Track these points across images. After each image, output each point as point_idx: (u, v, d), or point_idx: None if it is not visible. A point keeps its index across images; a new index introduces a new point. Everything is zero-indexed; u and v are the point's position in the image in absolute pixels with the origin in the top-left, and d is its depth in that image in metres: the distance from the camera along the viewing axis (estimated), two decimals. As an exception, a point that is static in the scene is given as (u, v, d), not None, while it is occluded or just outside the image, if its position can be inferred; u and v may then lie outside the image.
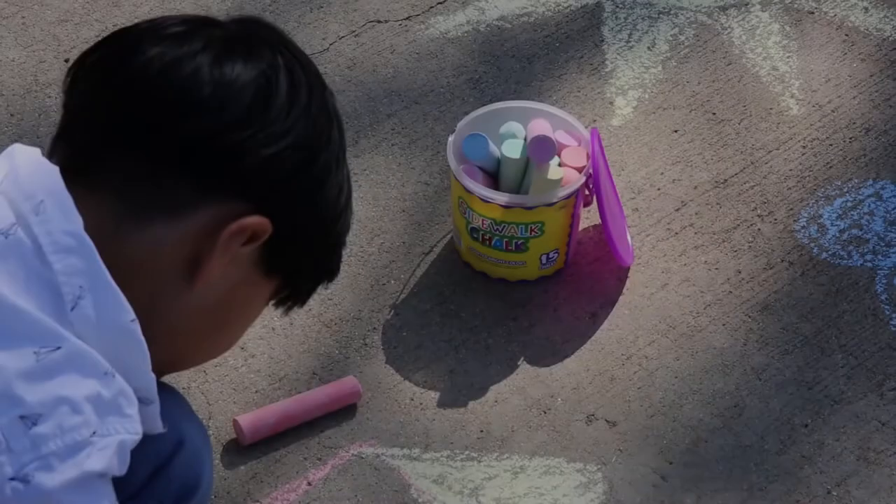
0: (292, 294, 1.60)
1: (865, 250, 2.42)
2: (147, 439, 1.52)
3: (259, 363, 2.28)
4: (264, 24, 1.57)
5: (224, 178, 1.47)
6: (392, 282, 2.38)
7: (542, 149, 2.29)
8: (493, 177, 2.35)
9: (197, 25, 1.52)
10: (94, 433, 1.38)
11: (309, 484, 2.17)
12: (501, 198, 2.29)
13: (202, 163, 1.47)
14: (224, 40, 1.50)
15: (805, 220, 2.45)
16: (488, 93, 2.58)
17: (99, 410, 1.39)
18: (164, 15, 1.55)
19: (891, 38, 2.67)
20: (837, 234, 2.44)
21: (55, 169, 1.44)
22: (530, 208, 2.29)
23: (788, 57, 2.64)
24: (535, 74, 2.61)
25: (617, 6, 2.70)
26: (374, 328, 2.33)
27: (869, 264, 2.41)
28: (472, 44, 2.66)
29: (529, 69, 2.62)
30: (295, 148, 1.50)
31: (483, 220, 2.31)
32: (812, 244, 2.43)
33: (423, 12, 2.69)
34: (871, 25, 2.68)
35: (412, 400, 2.25)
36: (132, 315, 1.43)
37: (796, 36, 2.67)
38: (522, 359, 2.30)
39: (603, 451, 2.20)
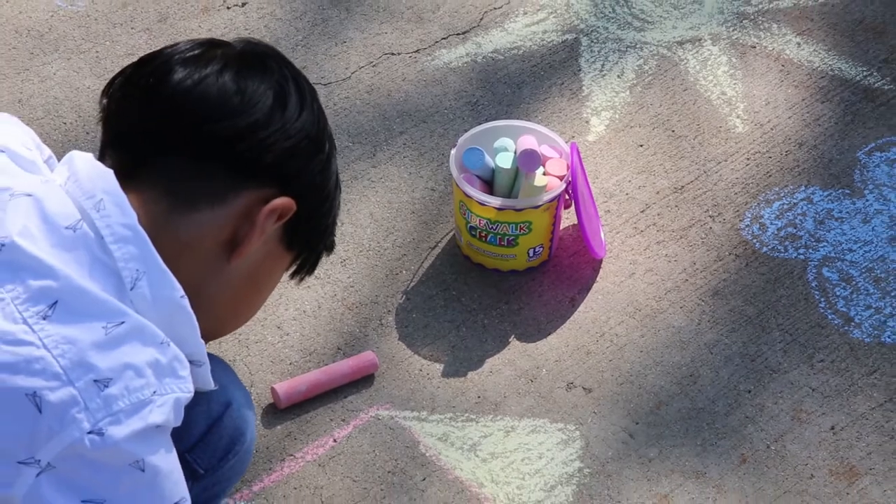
0: (304, 264, 1.60)
1: (799, 245, 2.40)
2: (201, 401, 1.55)
3: (293, 340, 2.26)
4: (263, 43, 1.58)
5: (255, 168, 1.48)
6: (403, 272, 2.36)
7: (529, 160, 2.27)
8: (489, 183, 2.33)
9: (209, 47, 1.53)
10: (154, 392, 1.38)
11: (335, 441, 2.15)
12: (495, 201, 2.27)
13: (236, 157, 1.47)
14: (238, 58, 1.51)
15: (749, 219, 2.43)
16: (484, 113, 2.56)
17: (157, 373, 1.39)
18: (177, 41, 1.57)
19: (819, 69, 2.64)
20: (776, 232, 2.41)
21: (110, 172, 1.44)
22: (520, 210, 2.27)
23: (734, 84, 2.62)
24: (523, 98, 2.59)
25: (592, 41, 2.68)
26: (389, 311, 2.30)
27: (801, 257, 2.38)
28: (471, 72, 2.63)
29: (518, 93, 2.60)
30: (308, 139, 1.51)
31: (480, 219, 2.29)
32: (754, 240, 2.41)
33: (429, 46, 2.67)
34: (803, 58, 2.66)
35: (420, 371, 2.23)
36: (181, 292, 1.43)
37: (741, 66, 2.64)
38: (513, 336, 2.28)
39: (580, 413, 2.19)
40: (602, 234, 2.39)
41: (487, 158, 2.31)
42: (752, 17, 2.72)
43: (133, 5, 2.72)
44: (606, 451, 2.15)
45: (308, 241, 1.58)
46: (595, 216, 2.38)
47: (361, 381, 2.21)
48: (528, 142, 2.31)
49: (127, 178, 1.45)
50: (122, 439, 1.35)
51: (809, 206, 2.45)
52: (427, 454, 2.14)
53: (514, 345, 2.27)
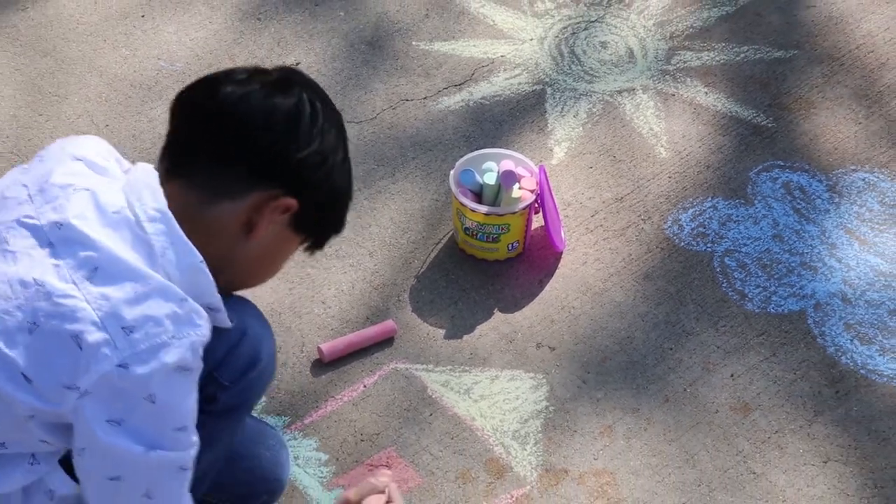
0: (313, 244, 1.56)
1: (707, 241, 2.36)
2: (221, 333, 1.50)
3: (333, 312, 2.23)
4: (299, 72, 1.52)
5: (268, 173, 1.44)
6: (415, 261, 2.32)
7: (508, 178, 2.25)
8: (478, 195, 2.30)
9: (254, 73, 1.48)
10: (172, 337, 1.36)
11: (365, 386, 2.12)
12: (483, 209, 2.24)
13: (254, 164, 1.43)
14: (271, 83, 1.46)
15: (670, 222, 2.39)
16: (475, 144, 2.52)
17: (175, 322, 1.36)
18: (235, 67, 1.52)
19: (721, 111, 2.60)
20: (690, 231, 2.38)
21: (154, 172, 1.43)
22: (501, 215, 2.24)
23: (660, 122, 2.58)
24: (503, 132, 2.55)
25: (554, 90, 2.64)
26: (405, 290, 2.27)
27: (709, 249, 2.35)
28: (465, 114, 2.59)
29: (500, 129, 2.56)
30: (314, 153, 1.46)
31: (472, 222, 2.25)
32: (675, 237, 2.37)
33: (434, 94, 2.63)
34: (710, 103, 2.62)
35: (428, 334, 2.20)
36: (200, 258, 1.40)
37: (664, 109, 2.61)
38: (496, 309, 2.24)
39: (547, 366, 2.16)
40: (563, 233, 2.36)
41: (477, 177, 2.28)
42: (672, 73, 2.68)
43: (216, 65, 2.69)
44: (566, 394, 2.11)
45: (313, 229, 1.53)
46: (557, 219, 2.35)
47: (384, 343, 2.18)
48: (507, 165, 2.28)
49: (173, 175, 1.43)
50: (142, 375, 1.34)
51: (715, 212, 2.41)
52: (433, 396, 2.11)
53: (497, 315, 2.23)
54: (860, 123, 2.58)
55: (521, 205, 2.24)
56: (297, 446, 2.03)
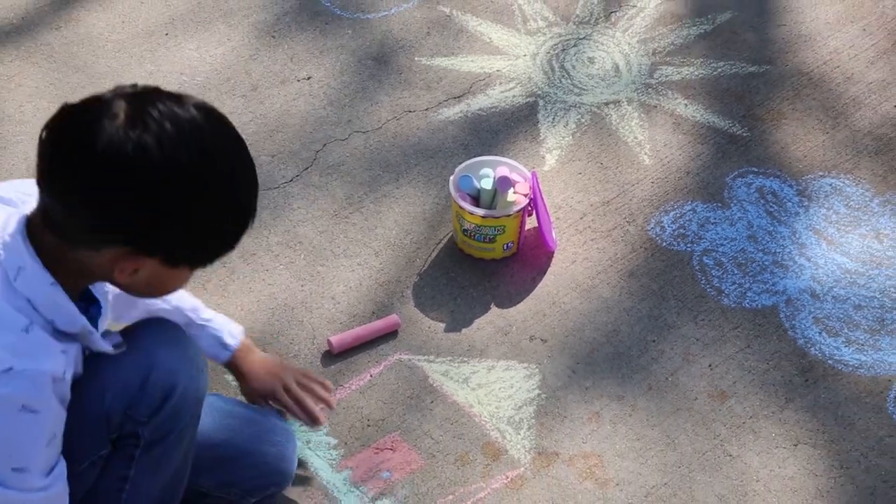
0: (201, 265, 1.40)
1: (687, 241, 2.36)
2: (125, 369, 1.44)
3: (342, 307, 2.23)
4: (150, 100, 1.29)
5: (113, 234, 1.32)
6: (417, 260, 2.32)
7: (503, 183, 2.26)
8: (476, 199, 2.30)
9: (106, 115, 1.28)
10: (10, 368, 1.28)
11: (371, 376, 2.12)
12: (480, 211, 2.24)
13: (97, 225, 1.31)
14: (114, 129, 1.26)
15: (653, 224, 2.39)
16: (472, 152, 2.52)
17: (16, 354, 1.28)
18: (90, 101, 1.31)
19: (699, 121, 2.61)
20: (671, 232, 2.38)
21: (22, 213, 1.35)
22: (497, 217, 2.24)
23: (643, 131, 2.58)
24: (499, 141, 2.55)
25: (546, 102, 2.64)
26: (408, 286, 2.27)
27: (689, 249, 2.35)
28: (464, 124, 2.59)
29: (496, 138, 2.56)
30: (157, 210, 1.30)
31: (470, 224, 2.26)
32: (657, 238, 2.37)
33: (435, 106, 2.63)
34: (689, 114, 2.62)
35: (430, 328, 2.20)
36: (51, 280, 1.33)
37: (647, 119, 2.61)
38: (493, 304, 2.24)
39: (539, 357, 2.16)
40: (554, 234, 2.36)
41: (475, 182, 2.29)
42: (655, 86, 2.69)
43: (234, 79, 2.69)
44: (557, 382, 2.12)
45: (191, 261, 1.39)
46: (549, 221, 2.35)
47: (389, 335, 2.18)
48: (502, 171, 2.29)
49: (43, 220, 1.34)
50: None
51: (694, 214, 2.42)
52: (434, 385, 2.11)
53: (494, 310, 2.23)
54: (827, 133, 2.59)
55: (516, 208, 2.25)
56: (309, 431, 2.04)
